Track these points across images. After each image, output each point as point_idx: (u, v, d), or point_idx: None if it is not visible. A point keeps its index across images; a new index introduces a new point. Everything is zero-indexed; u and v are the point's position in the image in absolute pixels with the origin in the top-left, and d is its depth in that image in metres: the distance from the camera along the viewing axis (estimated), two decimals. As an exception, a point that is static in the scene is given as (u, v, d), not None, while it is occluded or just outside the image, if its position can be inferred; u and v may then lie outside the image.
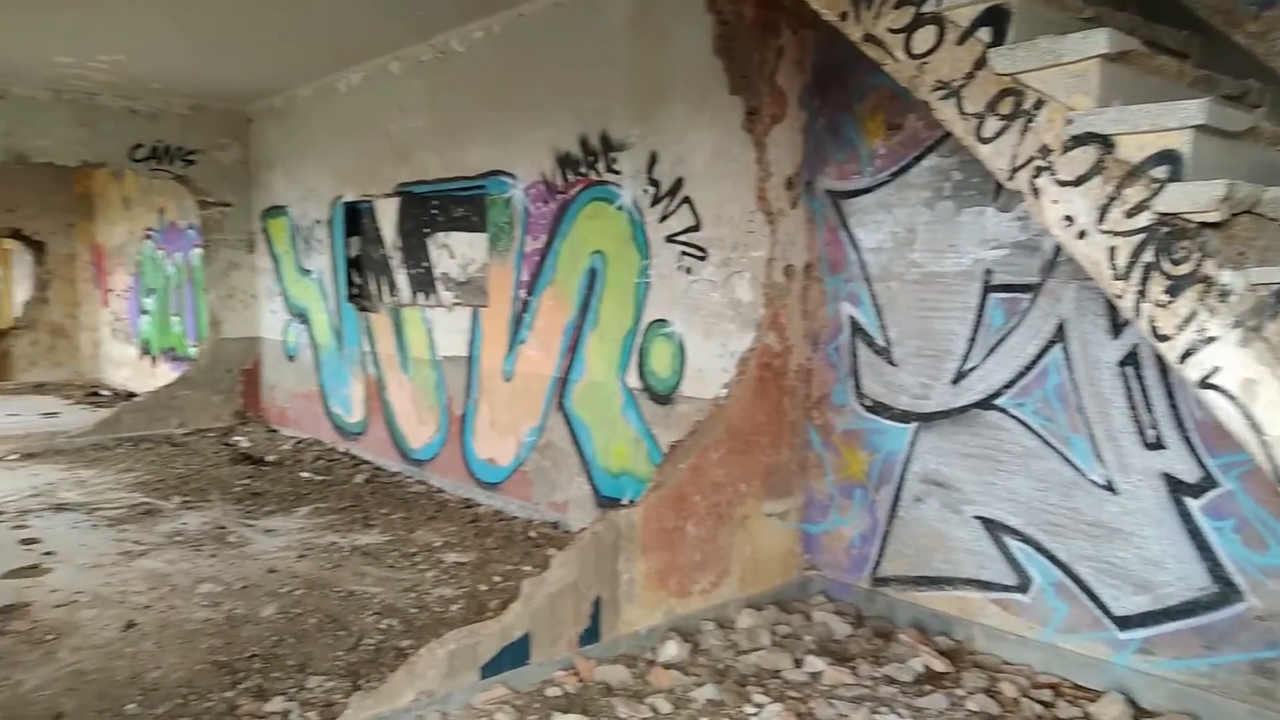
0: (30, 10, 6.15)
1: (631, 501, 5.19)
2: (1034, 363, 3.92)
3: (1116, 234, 2.57)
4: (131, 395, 11.94)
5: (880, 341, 4.45)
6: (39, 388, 14.00)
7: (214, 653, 4.19)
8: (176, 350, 11.84)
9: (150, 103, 9.21)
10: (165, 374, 11.60)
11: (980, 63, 2.84)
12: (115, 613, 4.68)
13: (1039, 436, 3.92)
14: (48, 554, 5.67)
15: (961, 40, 2.89)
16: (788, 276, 4.58)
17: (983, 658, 4.09)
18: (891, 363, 4.41)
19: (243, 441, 9.18)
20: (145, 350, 12.88)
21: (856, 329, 4.55)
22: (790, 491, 4.71)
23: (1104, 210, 2.59)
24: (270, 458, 8.45)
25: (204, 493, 7.21)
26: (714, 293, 4.93)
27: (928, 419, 4.29)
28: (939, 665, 3.97)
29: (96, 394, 13.14)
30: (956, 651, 4.14)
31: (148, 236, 12.51)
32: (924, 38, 2.96)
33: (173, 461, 8.37)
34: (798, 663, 3.99)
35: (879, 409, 4.48)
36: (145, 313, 12.76)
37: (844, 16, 3.19)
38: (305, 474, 7.83)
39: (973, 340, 4.11)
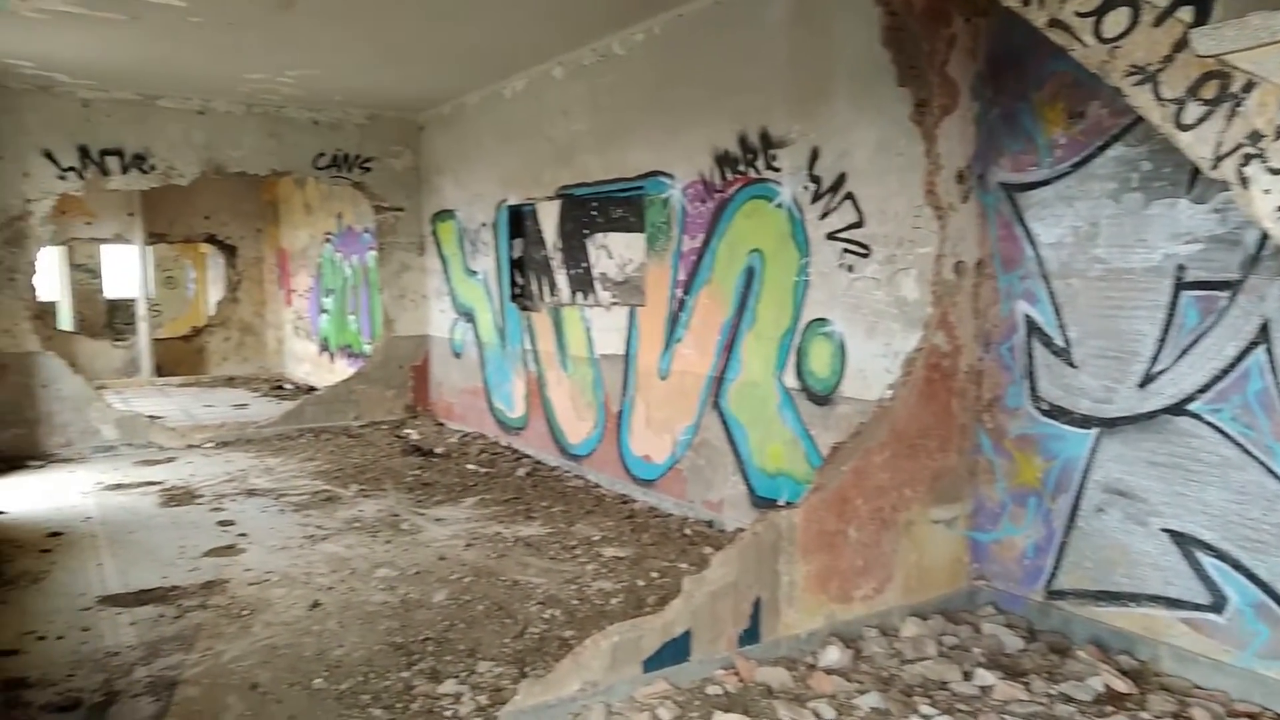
0: (229, 32, 6.67)
1: (789, 503, 5.15)
2: (1233, 366, 3.62)
3: (1340, 226, 2.35)
4: (312, 389, 12.77)
5: (1059, 342, 4.23)
6: (230, 381, 15.17)
7: (391, 634, 4.42)
8: (353, 347, 12.57)
9: (331, 114, 9.82)
10: (342, 369, 12.36)
11: (1180, 44, 2.66)
12: (302, 592, 5.01)
13: (1238, 445, 3.62)
14: (241, 535, 6.13)
15: (1159, 21, 2.71)
16: (958, 273, 4.41)
17: (1170, 680, 3.82)
18: (1071, 364, 4.18)
19: (413, 434, 9.65)
20: (324, 347, 13.74)
21: (1033, 328, 4.34)
22: (958, 497, 4.54)
23: (1325, 200, 2.38)
24: (438, 450, 8.84)
25: (378, 482, 7.62)
26: (877, 291, 4.82)
27: (1111, 424, 4.04)
28: (1121, 685, 3.73)
29: (280, 387, 14.12)
30: (1140, 672, 3.89)
31: (327, 240, 13.33)
32: (1116, 20, 2.79)
33: (350, 452, 8.89)
34: (967, 675, 3.84)
35: (1057, 413, 4.25)
36: (324, 312, 13.60)
37: (1027, 2, 3.05)
38: (471, 466, 8.15)
39: (1163, 341, 3.84)
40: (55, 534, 6.16)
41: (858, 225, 4.92)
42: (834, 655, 3.97)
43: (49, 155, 8.53)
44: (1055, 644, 4.17)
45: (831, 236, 5.09)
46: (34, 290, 8.68)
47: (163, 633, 4.47)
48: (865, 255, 4.88)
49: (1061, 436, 4.25)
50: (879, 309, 4.82)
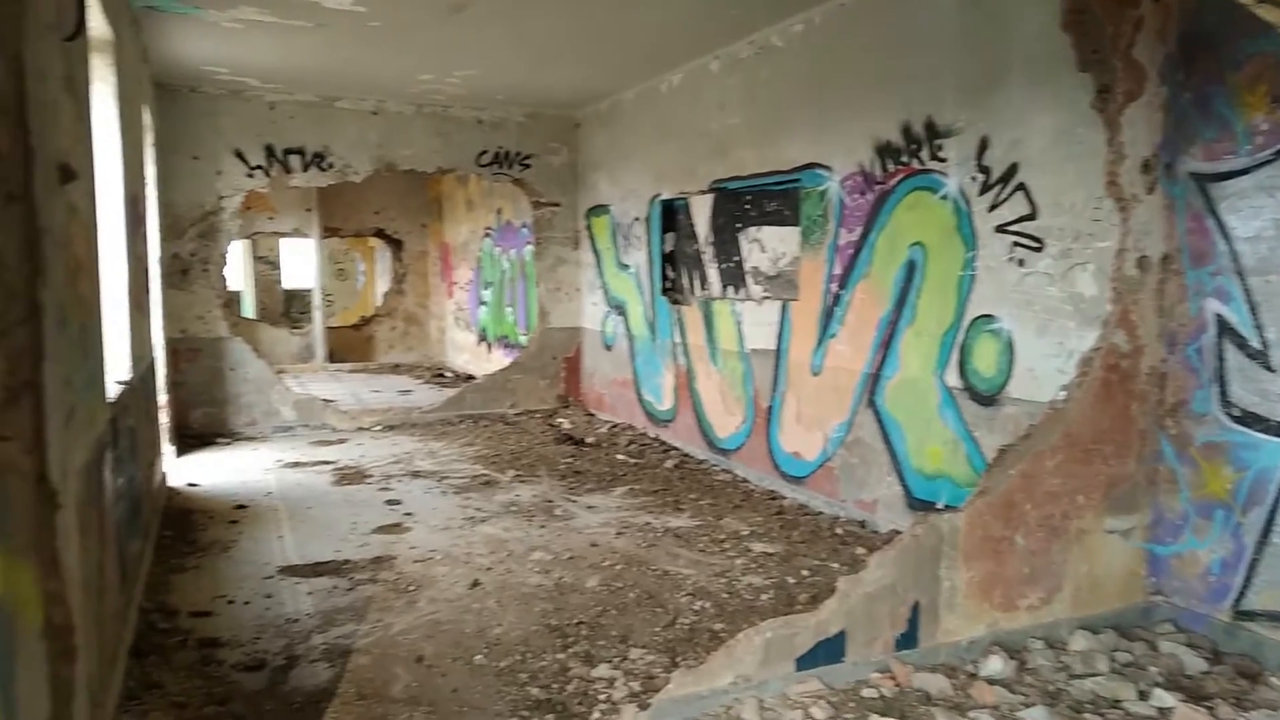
0: (403, 35, 7.00)
1: (949, 506, 4.99)
2: None
3: None
4: (471, 377, 13.27)
5: (1255, 343, 3.91)
6: (395, 368, 15.94)
7: (546, 616, 4.55)
8: (509, 338, 12.98)
9: (493, 113, 10.16)
10: (499, 359, 12.77)
11: None
12: (463, 571, 5.21)
13: None
14: (407, 514, 6.43)
15: (1390, -9, 2.46)
16: (1141, 269, 4.14)
17: (1382, 717, 3.49)
18: (1269, 368, 3.86)
19: (565, 423, 9.88)
20: (482, 337, 14.24)
21: (1224, 328, 4.03)
22: (1136, 507, 4.27)
23: None
24: (589, 439, 9.02)
25: (533, 468, 7.84)
26: (1050, 286, 4.59)
27: (1315, 434, 3.72)
28: (1322, 719, 3.43)
29: (441, 375, 14.74)
30: (1345, 706, 3.56)
31: (487, 235, 13.81)
32: (1339, -8, 2.56)
33: (506, 438, 9.19)
34: (1142, 695, 3.62)
35: (1251, 420, 3.94)
36: (483, 304, 14.10)
37: (1230, -24, 2.83)
38: (620, 456, 8.28)
39: (1380, 344, 3.50)
40: (241, 506, 6.65)
41: (1030, 218, 4.70)
42: (996, 665, 3.82)
43: (239, 155, 9.20)
44: (1244, 668, 3.87)
45: (1001, 229, 4.89)
46: (224, 280, 9.38)
47: (336, 603, 4.75)
48: (1038, 249, 4.65)
49: (1255, 445, 3.93)
50: (1052, 306, 4.59)
